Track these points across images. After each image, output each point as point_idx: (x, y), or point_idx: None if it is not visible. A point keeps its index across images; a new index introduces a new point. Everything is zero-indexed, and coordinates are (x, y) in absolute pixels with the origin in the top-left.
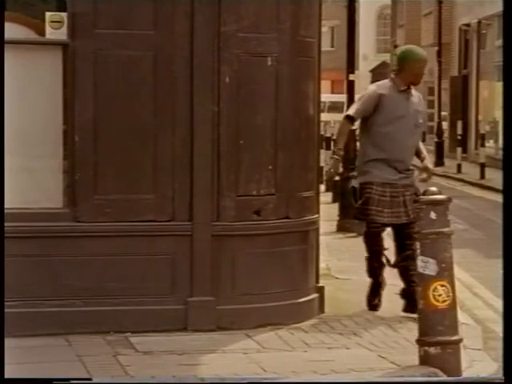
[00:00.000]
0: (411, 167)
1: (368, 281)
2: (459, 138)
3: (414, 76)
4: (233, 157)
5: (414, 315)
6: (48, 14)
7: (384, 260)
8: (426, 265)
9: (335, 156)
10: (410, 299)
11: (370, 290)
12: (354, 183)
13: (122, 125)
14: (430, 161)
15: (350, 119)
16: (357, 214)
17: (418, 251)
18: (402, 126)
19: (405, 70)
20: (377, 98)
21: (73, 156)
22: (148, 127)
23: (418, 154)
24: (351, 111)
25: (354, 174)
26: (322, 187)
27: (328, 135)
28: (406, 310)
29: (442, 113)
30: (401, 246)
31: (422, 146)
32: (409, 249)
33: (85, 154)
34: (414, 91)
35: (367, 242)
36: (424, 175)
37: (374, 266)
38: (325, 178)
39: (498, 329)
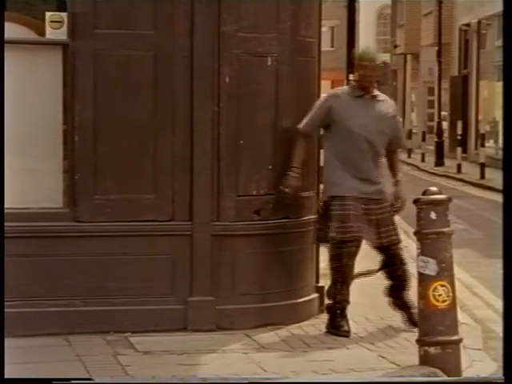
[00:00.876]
0: (381, 179)
1: (368, 281)
2: (459, 137)
3: (365, 79)
4: (233, 157)
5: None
6: (48, 14)
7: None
8: (426, 265)
9: (291, 173)
10: (406, 310)
11: (334, 315)
12: (322, 197)
13: (121, 125)
14: (402, 190)
15: (303, 133)
16: (326, 234)
17: (419, 251)
18: (360, 134)
19: (358, 73)
20: (326, 110)
21: (73, 156)
22: (148, 127)
23: (392, 172)
24: (301, 125)
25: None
26: (322, 187)
27: None
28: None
29: (442, 113)
30: (388, 264)
31: (398, 163)
32: (395, 265)
33: (85, 154)
34: (382, 96)
35: (339, 267)
36: (397, 204)
37: (339, 288)
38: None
39: (498, 329)
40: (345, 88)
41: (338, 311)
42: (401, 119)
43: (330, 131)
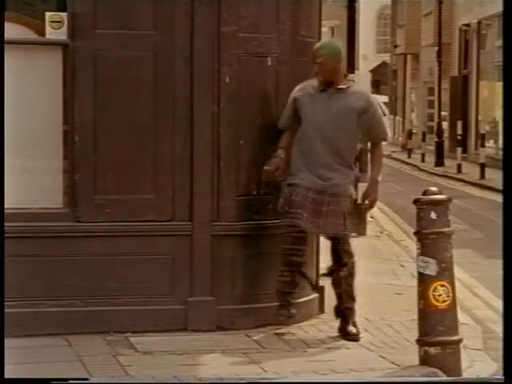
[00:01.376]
0: (343, 173)
1: (368, 281)
2: (459, 138)
3: (318, 73)
4: (233, 157)
5: (351, 339)
6: (48, 14)
7: (298, 277)
8: (426, 265)
9: (274, 154)
10: (343, 318)
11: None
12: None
13: (122, 125)
14: (374, 190)
15: (284, 129)
16: (280, 215)
17: (419, 251)
18: (321, 130)
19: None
20: (292, 103)
21: (73, 156)
22: (148, 127)
23: (371, 167)
24: (280, 123)
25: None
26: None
27: None
28: (340, 329)
29: (442, 113)
30: (335, 260)
31: (377, 158)
32: (339, 262)
33: (85, 154)
34: (351, 89)
35: (284, 250)
36: (366, 202)
37: (284, 280)
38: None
39: (498, 329)
40: (311, 81)
41: (283, 303)
42: (382, 113)
43: (300, 123)
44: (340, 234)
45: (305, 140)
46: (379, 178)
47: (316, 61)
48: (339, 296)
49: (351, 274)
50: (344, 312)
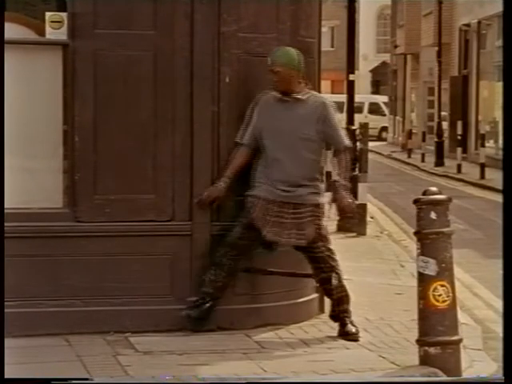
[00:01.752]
0: (305, 184)
1: (368, 281)
2: (459, 138)
3: (274, 83)
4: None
5: (352, 339)
6: (48, 14)
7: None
8: (426, 265)
9: (217, 183)
10: (341, 321)
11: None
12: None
13: (122, 125)
14: (342, 196)
15: (240, 145)
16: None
17: (419, 251)
18: (281, 140)
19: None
20: (252, 112)
21: (73, 156)
22: (148, 127)
23: (337, 174)
24: (238, 137)
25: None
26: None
27: None
28: (340, 332)
29: (442, 113)
30: (316, 269)
31: (341, 165)
32: (324, 271)
33: (85, 154)
34: (309, 97)
35: (225, 254)
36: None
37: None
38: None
39: (498, 329)
40: (271, 91)
41: (200, 301)
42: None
43: (262, 133)
44: (304, 244)
45: (265, 152)
46: (343, 182)
47: (272, 70)
48: (335, 303)
49: (340, 279)
50: (340, 315)
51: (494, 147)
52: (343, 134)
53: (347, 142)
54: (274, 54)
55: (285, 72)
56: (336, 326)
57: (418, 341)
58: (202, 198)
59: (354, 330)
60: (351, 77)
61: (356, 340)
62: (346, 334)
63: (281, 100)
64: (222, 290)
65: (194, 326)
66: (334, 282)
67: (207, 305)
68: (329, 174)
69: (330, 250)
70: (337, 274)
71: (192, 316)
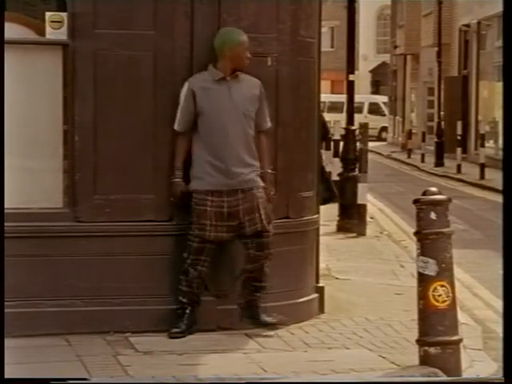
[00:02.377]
0: (251, 164)
1: (368, 281)
2: (459, 138)
3: (238, 60)
4: None
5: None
6: (48, 14)
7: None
8: (426, 265)
9: (174, 179)
10: (252, 311)
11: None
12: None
13: (121, 125)
14: (271, 182)
15: (179, 133)
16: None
17: (418, 251)
18: (223, 120)
19: (225, 55)
20: (191, 97)
21: (73, 156)
22: (148, 127)
23: (259, 158)
24: (175, 124)
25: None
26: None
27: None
28: (252, 317)
29: (442, 113)
30: (248, 256)
31: (266, 148)
32: (257, 261)
33: (85, 154)
34: (244, 76)
35: (185, 260)
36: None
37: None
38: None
39: (498, 329)
40: (202, 73)
41: (179, 311)
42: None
43: (197, 122)
44: (259, 229)
45: (210, 135)
46: (270, 170)
47: (242, 49)
48: (253, 290)
49: (267, 268)
50: (257, 302)
51: (493, 147)
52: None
53: (269, 123)
54: (228, 31)
55: (244, 49)
56: (336, 326)
57: (417, 341)
58: (172, 200)
59: (270, 319)
60: (351, 77)
61: (274, 326)
62: (259, 322)
63: (220, 80)
64: (198, 295)
65: (184, 335)
66: (266, 269)
67: (187, 311)
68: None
69: (270, 235)
70: (269, 259)
71: (178, 331)
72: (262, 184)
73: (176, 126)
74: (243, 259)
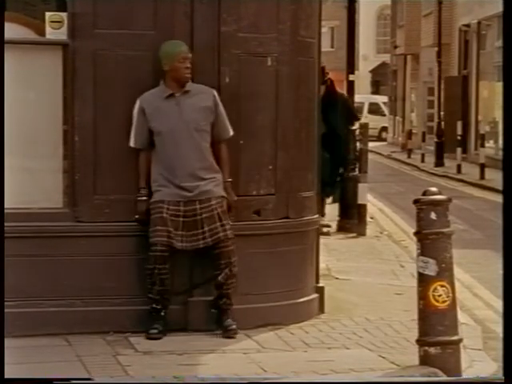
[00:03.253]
0: (208, 177)
1: (368, 281)
2: (459, 138)
3: (177, 74)
4: (232, 157)
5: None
6: (48, 14)
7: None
8: (426, 265)
9: (139, 197)
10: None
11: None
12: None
13: (121, 125)
14: (232, 191)
15: (140, 151)
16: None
17: (419, 251)
18: (175, 137)
19: (166, 70)
20: (142, 114)
21: (73, 156)
22: None
23: (220, 168)
24: (130, 141)
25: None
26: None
27: None
28: (218, 322)
29: (442, 113)
30: (214, 265)
31: (226, 157)
32: (221, 270)
33: (85, 154)
34: (196, 89)
35: (148, 270)
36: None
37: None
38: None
39: (498, 329)
40: (153, 90)
41: (153, 314)
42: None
43: (153, 138)
44: (221, 238)
45: (163, 152)
46: (229, 179)
47: (177, 61)
48: (222, 296)
49: (234, 274)
50: (222, 306)
51: (493, 147)
52: (228, 124)
53: (231, 133)
54: (169, 44)
55: (186, 61)
56: (336, 326)
57: (418, 341)
58: (137, 218)
59: (234, 326)
60: (351, 77)
61: (232, 337)
62: (224, 328)
63: (169, 96)
64: (167, 299)
65: (162, 336)
66: (226, 275)
67: (162, 313)
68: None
69: (233, 242)
70: (234, 267)
71: (157, 332)
72: (222, 193)
73: (131, 143)
74: (212, 267)
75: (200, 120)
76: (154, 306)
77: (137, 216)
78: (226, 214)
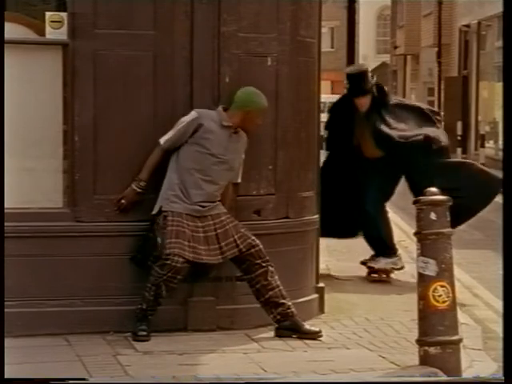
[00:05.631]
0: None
1: (368, 281)
2: (459, 138)
3: (249, 123)
4: None
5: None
6: (48, 14)
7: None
8: (426, 265)
9: (134, 187)
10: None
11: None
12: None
13: (121, 125)
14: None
15: (162, 148)
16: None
17: (418, 252)
18: (215, 165)
19: (241, 112)
20: (194, 127)
21: (73, 156)
22: (148, 127)
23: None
24: (163, 139)
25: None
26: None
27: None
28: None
29: (442, 113)
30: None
31: (232, 196)
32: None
33: (85, 153)
34: (242, 133)
35: (162, 276)
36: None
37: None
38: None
39: (498, 329)
40: (212, 112)
41: (139, 315)
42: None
43: (186, 147)
44: (252, 243)
45: (187, 172)
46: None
47: (257, 116)
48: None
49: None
50: (286, 311)
51: (493, 148)
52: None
53: (240, 179)
54: (252, 94)
55: (257, 116)
56: (336, 326)
57: (418, 341)
58: (122, 202)
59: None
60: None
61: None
62: (309, 332)
63: (226, 127)
64: (159, 304)
65: (149, 337)
66: (271, 271)
67: (149, 316)
68: None
69: (258, 246)
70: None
71: (145, 334)
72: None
73: (163, 142)
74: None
75: (236, 163)
76: (143, 307)
77: (123, 201)
78: (238, 223)
